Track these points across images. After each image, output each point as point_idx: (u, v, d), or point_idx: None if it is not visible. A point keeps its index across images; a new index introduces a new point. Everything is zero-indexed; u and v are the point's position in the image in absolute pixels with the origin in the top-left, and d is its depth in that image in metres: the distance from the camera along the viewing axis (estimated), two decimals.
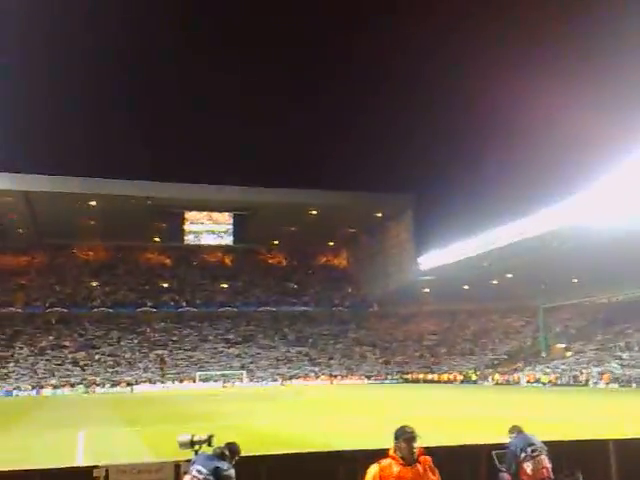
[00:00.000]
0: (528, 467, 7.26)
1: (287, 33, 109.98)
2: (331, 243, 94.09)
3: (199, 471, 5.84)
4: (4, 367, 64.75)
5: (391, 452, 5.10)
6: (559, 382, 54.08)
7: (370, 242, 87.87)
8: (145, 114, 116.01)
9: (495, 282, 75.07)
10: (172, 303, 79.70)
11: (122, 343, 72.58)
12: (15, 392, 58.83)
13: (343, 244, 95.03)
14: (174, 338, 75.11)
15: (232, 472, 5.96)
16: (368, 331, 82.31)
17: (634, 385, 47.17)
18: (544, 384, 54.72)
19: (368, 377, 70.26)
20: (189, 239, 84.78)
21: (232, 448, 6.21)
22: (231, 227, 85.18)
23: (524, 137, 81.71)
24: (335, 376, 69.96)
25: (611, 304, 67.27)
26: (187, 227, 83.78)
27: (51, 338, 71.66)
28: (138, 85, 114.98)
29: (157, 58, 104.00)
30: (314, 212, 77.00)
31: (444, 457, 6.14)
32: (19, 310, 73.75)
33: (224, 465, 5.92)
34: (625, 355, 54.53)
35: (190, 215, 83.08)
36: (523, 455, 7.33)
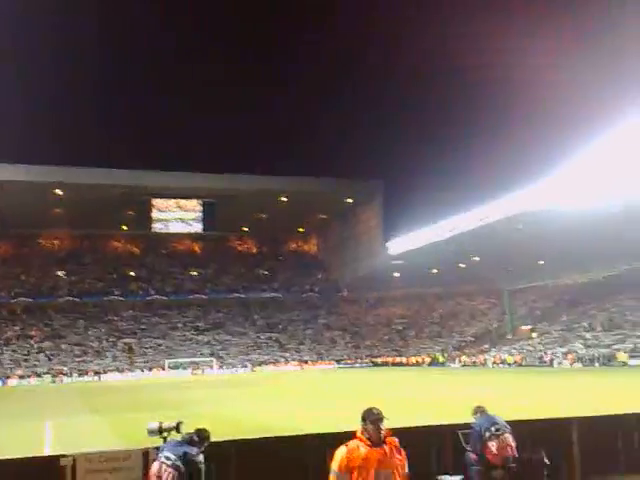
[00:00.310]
0: (493, 446, 7.41)
1: (258, 17, 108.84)
2: (301, 229, 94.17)
3: (167, 457, 5.85)
4: None
5: (358, 434, 5.15)
6: (524, 363, 55.24)
7: (340, 228, 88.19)
8: (112, 100, 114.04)
9: (462, 266, 76.00)
10: (140, 292, 78.97)
11: (89, 332, 71.80)
12: None
13: (313, 230, 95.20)
14: (142, 326, 74.56)
15: (201, 457, 5.98)
16: (338, 316, 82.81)
17: (597, 365, 48.40)
18: (510, 365, 55.82)
19: (338, 362, 70.80)
20: (157, 227, 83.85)
21: (201, 434, 6.22)
22: (200, 214, 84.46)
23: (489, 123, 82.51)
24: (305, 361, 70.32)
25: (575, 285, 68.70)
26: (155, 215, 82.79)
27: (17, 328, 70.51)
28: (106, 70, 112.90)
29: (124, 43, 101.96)
30: (284, 199, 76.84)
31: (410, 438, 6.23)
32: None
33: (193, 450, 5.93)
34: (589, 335, 55.86)
35: (158, 203, 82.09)
36: (487, 434, 7.48)
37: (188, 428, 6.32)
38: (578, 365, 49.86)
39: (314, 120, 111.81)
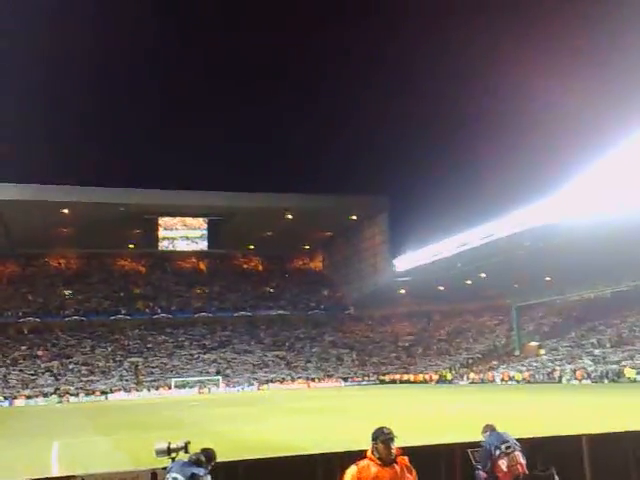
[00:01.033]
0: (503, 464, 7.37)
1: (260, 36, 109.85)
2: (307, 246, 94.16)
3: (175, 478, 5.84)
4: None
5: (369, 453, 5.15)
6: (533, 379, 54.82)
7: (345, 245, 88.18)
8: (117, 119, 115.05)
9: (469, 282, 75.78)
10: (146, 310, 78.94)
11: (96, 352, 71.67)
12: None
13: (319, 247, 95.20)
14: (149, 345, 74.42)
15: (208, 478, 5.97)
16: (344, 333, 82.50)
17: (606, 381, 48.00)
18: (518, 382, 55.40)
19: (345, 379, 70.41)
20: (163, 245, 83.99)
21: (208, 454, 6.22)
22: (206, 232, 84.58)
23: (497, 140, 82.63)
24: (312, 379, 69.96)
25: (583, 301, 68.35)
26: (161, 233, 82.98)
27: (24, 348, 70.45)
28: (110, 90, 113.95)
29: (128, 61, 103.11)
30: (289, 216, 76.96)
31: (421, 457, 6.21)
32: None
33: (200, 471, 5.92)
34: (597, 351, 55.46)
35: (164, 221, 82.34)
36: (497, 452, 7.44)
37: (196, 448, 6.32)
38: (587, 381, 49.46)
39: (320, 136, 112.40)
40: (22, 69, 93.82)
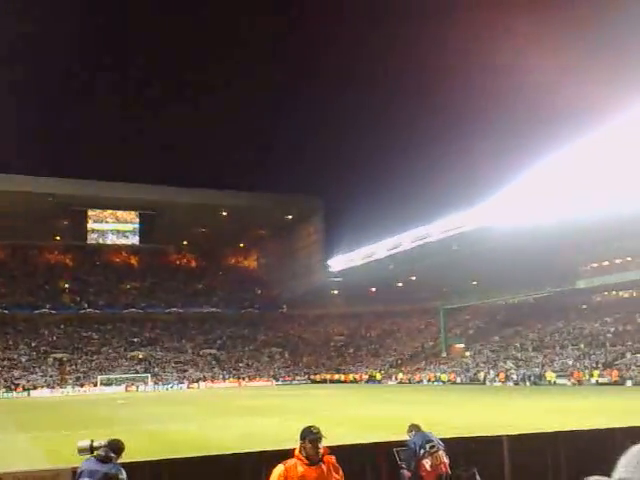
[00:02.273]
0: (427, 463, 7.57)
1: (195, 30, 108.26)
2: (241, 244, 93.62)
3: None
4: None
5: (296, 452, 5.19)
6: (458, 380, 56.35)
7: (280, 244, 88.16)
8: (49, 106, 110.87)
9: (400, 285, 77.25)
10: (73, 305, 76.52)
11: (19, 347, 68.92)
12: None
13: (253, 245, 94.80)
14: (75, 341, 72.14)
15: (124, 474, 5.72)
16: (277, 333, 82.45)
17: (527, 383, 49.87)
18: (444, 382, 56.86)
19: (276, 378, 70.37)
20: (92, 238, 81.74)
21: (114, 446, 5.88)
22: (137, 226, 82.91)
23: (432, 146, 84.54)
24: (243, 378, 69.58)
25: (507, 306, 70.79)
26: (90, 225, 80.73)
27: None
28: (42, 76, 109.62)
29: (59, 49, 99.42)
30: (224, 213, 76.30)
31: (347, 456, 6.31)
32: None
33: (112, 469, 5.67)
34: (519, 355, 57.56)
35: (94, 213, 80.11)
36: (422, 452, 7.64)
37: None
38: (509, 384, 51.24)
39: (259, 135, 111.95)
40: None
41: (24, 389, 60.03)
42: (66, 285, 79.95)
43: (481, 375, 55.06)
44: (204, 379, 68.13)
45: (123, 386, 63.86)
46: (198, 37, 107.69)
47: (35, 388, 60.61)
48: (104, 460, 5.69)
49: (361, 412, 28.18)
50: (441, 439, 7.91)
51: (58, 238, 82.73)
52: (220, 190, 74.27)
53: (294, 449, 5.24)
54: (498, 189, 51.71)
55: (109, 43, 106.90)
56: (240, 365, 73.38)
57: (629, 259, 55.32)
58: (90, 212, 79.55)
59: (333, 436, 6.07)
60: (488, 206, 53.81)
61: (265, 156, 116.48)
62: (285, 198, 77.53)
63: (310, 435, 5.10)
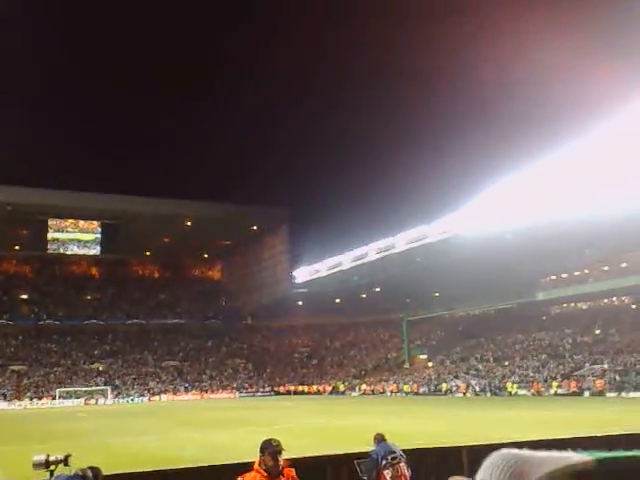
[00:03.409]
0: (388, 474, 7.62)
1: (159, 35, 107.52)
2: (205, 255, 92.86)
3: None
4: None
5: (256, 465, 5.20)
6: (421, 391, 56.79)
7: (245, 255, 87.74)
8: (7, 110, 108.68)
9: (364, 296, 77.61)
10: (32, 316, 74.77)
11: None
12: None
13: (218, 256, 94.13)
14: (33, 353, 70.45)
15: None
16: (241, 344, 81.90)
17: (488, 394, 50.54)
18: (407, 393, 57.24)
19: (239, 390, 69.81)
20: (53, 248, 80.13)
21: (95, 472, 5.96)
22: (99, 236, 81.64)
23: (397, 158, 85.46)
24: (206, 390, 68.84)
25: (469, 317, 71.76)
26: (51, 235, 79.16)
27: None
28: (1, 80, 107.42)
29: (24, 49, 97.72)
30: (188, 223, 75.65)
31: (307, 468, 6.34)
32: None
33: None
34: (480, 366, 58.31)
35: (54, 223, 78.59)
36: (384, 462, 7.68)
37: (79, 461, 6.11)
38: (470, 395, 51.84)
39: (223, 145, 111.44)
40: None
41: None
42: (25, 296, 78.12)
43: (443, 386, 55.58)
44: (166, 392, 67.19)
45: (82, 399, 62.54)
46: (178, 42, 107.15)
47: None
48: (82, 478, 5.64)
49: (323, 424, 28.18)
50: (403, 450, 7.98)
51: (17, 248, 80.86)
52: (184, 200, 73.65)
53: (254, 462, 5.25)
54: (462, 201, 52.61)
55: (74, 47, 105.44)
56: (203, 377, 72.60)
57: (587, 271, 56.65)
58: (51, 221, 78.05)
59: (294, 448, 6.10)
60: (452, 218, 54.67)
61: (230, 166, 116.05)
62: (251, 209, 77.24)
63: (270, 448, 5.12)
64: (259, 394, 69.03)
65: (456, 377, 57.25)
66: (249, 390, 70.18)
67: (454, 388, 54.40)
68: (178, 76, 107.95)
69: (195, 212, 74.66)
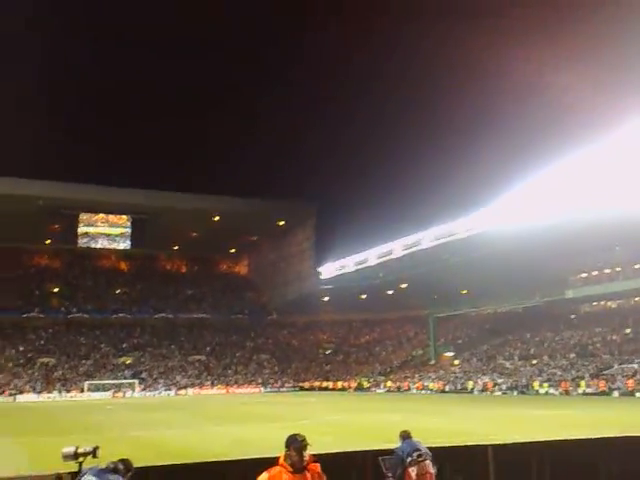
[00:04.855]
0: (413, 472, 7.55)
1: (188, 31, 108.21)
2: (232, 250, 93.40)
3: None
4: None
5: (281, 460, 5.19)
6: (446, 389, 56.39)
7: (271, 250, 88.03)
8: (40, 108, 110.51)
9: (390, 292, 77.31)
10: (62, 309, 76.04)
11: (5, 350, 68.36)
12: None
13: (244, 251, 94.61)
14: (62, 346, 71.67)
15: None
16: (266, 339, 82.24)
17: (515, 393, 49.97)
18: (432, 391, 56.89)
19: (264, 385, 70.15)
20: (83, 242, 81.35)
21: (126, 464, 6.05)
22: (129, 231, 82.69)
23: (424, 153, 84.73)
24: (231, 385, 69.33)
25: (496, 315, 70.99)
26: (81, 229, 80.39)
27: None
28: (32, 77, 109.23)
29: (48, 52, 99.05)
30: (216, 218, 76.12)
31: (332, 464, 6.30)
32: None
33: (118, 479, 5.77)
34: (508, 364, 57.68)
35: (84, 217, 79.76)
36: (409, 460, 7.62)
37: (106, 453, 6.16)
38: (497, 393, 51.32)
39: (251, 140, 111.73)
40: None
41: (10, 394, 59.52)
42: (55, 289, 79.49)
43: (469, 384, 55.13)
44: (192, 385, 67.84)
45: (110, 392, 63.48)
46: (194, 37, 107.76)
47: (21, 393, 60.14)
48: (113, 470, 5.74)
49: (348, 420, 28.13)
50: (429, 448, 7.90)
51: (48, 242, 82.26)
52: (212, 195, 74.16)
53: (279, 457, 5.24)
54: (491, 198, 52.03)
55: (103, 48, 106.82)
56: (228, 372, 73.12)
57: (618, 269, 55.66)
58: (81, 216, 79.29)
59: (319, 444, 6.07)
60: (480, 214, 54.11)
61: (258, 161, 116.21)
62: (278, 203, 77.43)
63: (295, 443, 5.11)
64: (284, 389, 69.28)
65: (482, 375, 56.73)
66: (274, 385, 70.47)
67: (480, 386, 53.91)
68: (210, 75, 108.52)
69: (223, 207, 75.12)
